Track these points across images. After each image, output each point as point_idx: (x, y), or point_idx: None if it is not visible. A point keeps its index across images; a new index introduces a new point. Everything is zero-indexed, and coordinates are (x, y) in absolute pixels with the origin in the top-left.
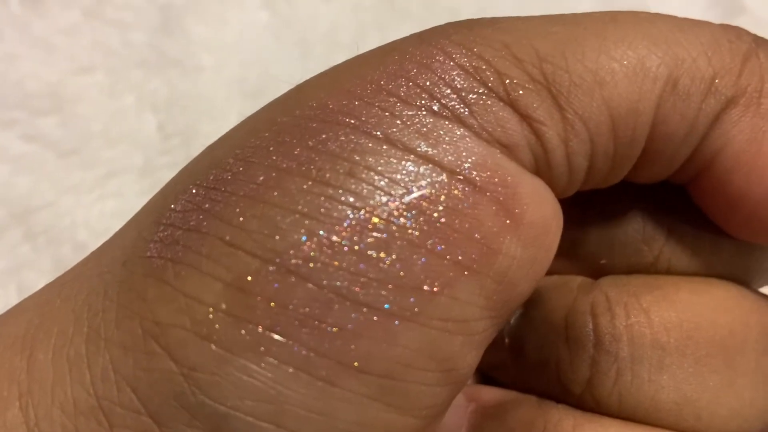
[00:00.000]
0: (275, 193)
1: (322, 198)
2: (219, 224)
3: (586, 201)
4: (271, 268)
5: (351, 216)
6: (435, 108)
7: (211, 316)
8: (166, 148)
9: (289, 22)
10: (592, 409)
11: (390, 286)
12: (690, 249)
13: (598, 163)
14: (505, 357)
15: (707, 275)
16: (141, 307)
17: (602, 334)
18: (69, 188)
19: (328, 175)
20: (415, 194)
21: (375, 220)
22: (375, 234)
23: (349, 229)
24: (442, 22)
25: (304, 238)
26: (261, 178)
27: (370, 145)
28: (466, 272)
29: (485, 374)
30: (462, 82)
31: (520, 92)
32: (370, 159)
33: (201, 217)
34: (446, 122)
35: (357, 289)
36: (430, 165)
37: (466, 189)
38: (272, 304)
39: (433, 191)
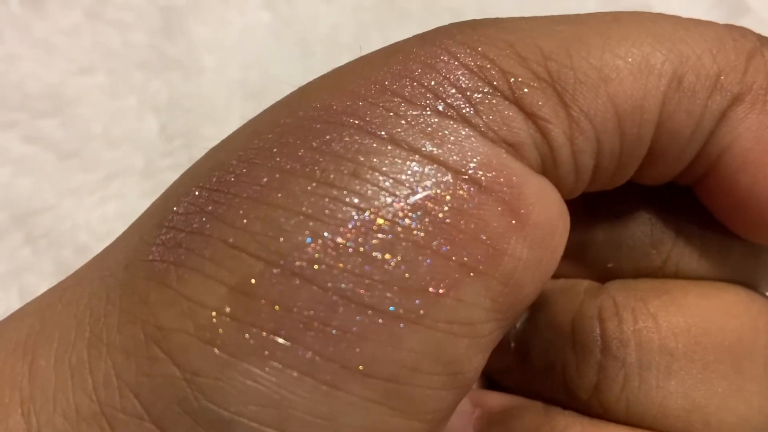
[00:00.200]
0: (279, 195)
1: (327, 199)
2: (222, 226)
3: (594, 204)
4: (275, 271)
5: (356, 217)
6: (440, 108)
7: (214, 320)
8: (167, 149)
9: (290, 22)
10: (599, 415)
11: (395, 288)
12: (698, 252)
13: (604, 161)
14: (510, 361)
15: (716, 279)
16: (143, 312)
17: (610, 339)
18: (70, 190)
19: (332, 176)
20: (420, 195)
21: (380, 221)
22: (380, 235)
23: (353, 231)
24: (444, 23)
25: (308, 239)
26: (264, 179)
27: (374, 145)
28: (471, 273)
29: (490, 378)
30: (467, 82)
31: (525, 90)
32: (375, 159)
33: (204, 219)
34: (451, 122)
35: (362, 291)
36: (435, 165)
37: (472, 189)
38: (276, 307)
39: (438, 191)
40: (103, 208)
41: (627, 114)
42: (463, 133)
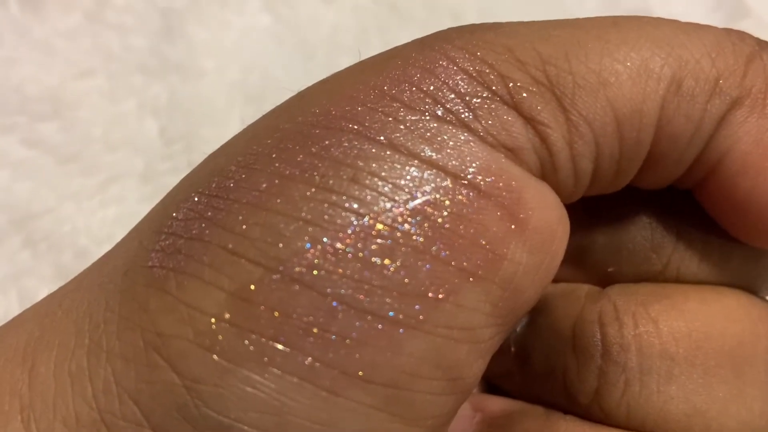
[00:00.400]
0: (278, 201)
1: (326, 205)
2: (221, 232)
3: (594, 208)
4: (274, 277)
5: (355, 222)
6: (439, 113)
7: (213, 326)
8: (167, 153)
9: (290, 25)
10: (600, 420)
11: (394, 293)
12: (699, 256)
13: (603, 165)
14: (511, 366)
15: (716, 283)
16: (142, 318)
17: (610, 344)
18: (69, 194)
19: (331, 182)
20: (420, 200)
21: (379, 226)
22: (379, 240)
23: (353, 236)
24: (444, 25)
25: (307, 245)
26: (264, 185)
27: (373, 150)
28: (471, 278)
29: (491, 383)
30: (465, 87)
31: (524, 95)
32: (374, 165)
33: (203, 225)
34: (450, 127)
35: (361, 296)
36: (434, 170)
37: (471, 194)
38: (276, 313)
39: (437, 196)
40: (103, 211)
41: (626, 118)
42: (462, 137)
